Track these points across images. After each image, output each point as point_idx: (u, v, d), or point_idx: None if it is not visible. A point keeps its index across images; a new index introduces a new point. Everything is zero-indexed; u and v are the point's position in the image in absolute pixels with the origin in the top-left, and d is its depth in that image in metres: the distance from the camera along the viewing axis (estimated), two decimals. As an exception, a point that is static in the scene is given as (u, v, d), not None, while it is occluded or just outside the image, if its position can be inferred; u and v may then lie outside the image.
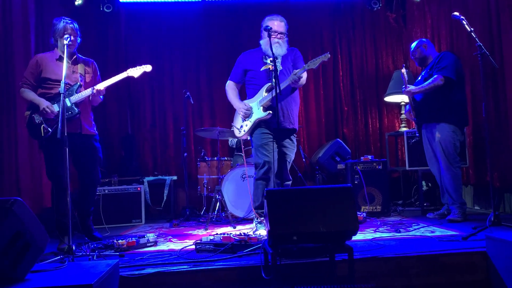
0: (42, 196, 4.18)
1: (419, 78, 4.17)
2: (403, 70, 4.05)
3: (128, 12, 5.88)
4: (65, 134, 2.87)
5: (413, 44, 4.22)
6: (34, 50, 4.20)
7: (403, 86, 4.04)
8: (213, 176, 4.99)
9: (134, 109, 5.90)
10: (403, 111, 5.63)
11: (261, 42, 3.81)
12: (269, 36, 3.38)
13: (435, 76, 3.86)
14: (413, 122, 4.25)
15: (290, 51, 3.84)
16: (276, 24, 3.70)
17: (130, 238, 3.20)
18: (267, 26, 3.49)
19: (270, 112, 3.56)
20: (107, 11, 5.61)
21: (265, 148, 3.63)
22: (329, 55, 3.43)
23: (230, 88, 3.92)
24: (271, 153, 3.60)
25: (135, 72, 3.70)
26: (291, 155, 3.81)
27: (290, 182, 3.81)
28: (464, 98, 4.00)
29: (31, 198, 3.90)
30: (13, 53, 3.86)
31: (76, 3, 5.43)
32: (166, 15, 5.92)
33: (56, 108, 3.37)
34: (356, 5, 6.11)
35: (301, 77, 3.54)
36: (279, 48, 3.64)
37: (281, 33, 3.70)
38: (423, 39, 4.24)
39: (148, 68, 3.77)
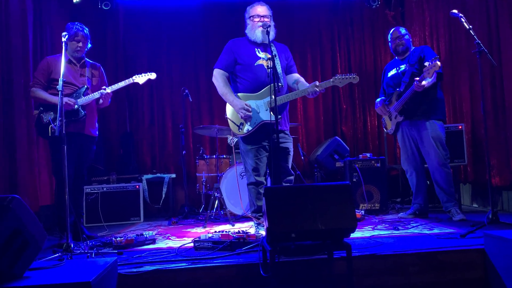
0: (40, 193, 4.17)
1: (394, 71, 4.03)
2: (438, 63, 3.51)
3: (126, 9, 5.86)
4: (64, 132, 2.91)
5: (403, 30, 4.06)
6: (32, 48, 4.19)
7: (417, 78, 3.62)
8: (212, 174, 4.99)
9: (133, 107, 5.89)
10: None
11: (247, 31, 3.67)
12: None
13: None
14: (381, 118, 4.22)
15: (283, 48, 3.72)
16: (259, 9, 3.62)
17: (128, 236, 3.20)
18: (252, 15, 3.57)
19: (280, 117, 3.32)
20: (105, 8, 5.61)
21: (255, 154, 3.51)
22: (358, 79, 3.39)
23: (222, 80, 3.61)
24: (260, 159, 3.51)
25: (140, 79, 3.86)
26: (290, 146, 3.59)
27: (292, 177, 3.65)
28: (442, 93, 4.00)
29: (29, 195, 3.89)
30: (11, 51, 3.84)
31: (74, 0, 5.41)
32: (165, 13, 5.90)
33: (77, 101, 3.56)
34: (354, 3, 6.11)
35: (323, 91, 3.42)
36: (271, 32, 3.52)
37: (264, 16, 3.59)
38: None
39: (152, 75, 3.89)
